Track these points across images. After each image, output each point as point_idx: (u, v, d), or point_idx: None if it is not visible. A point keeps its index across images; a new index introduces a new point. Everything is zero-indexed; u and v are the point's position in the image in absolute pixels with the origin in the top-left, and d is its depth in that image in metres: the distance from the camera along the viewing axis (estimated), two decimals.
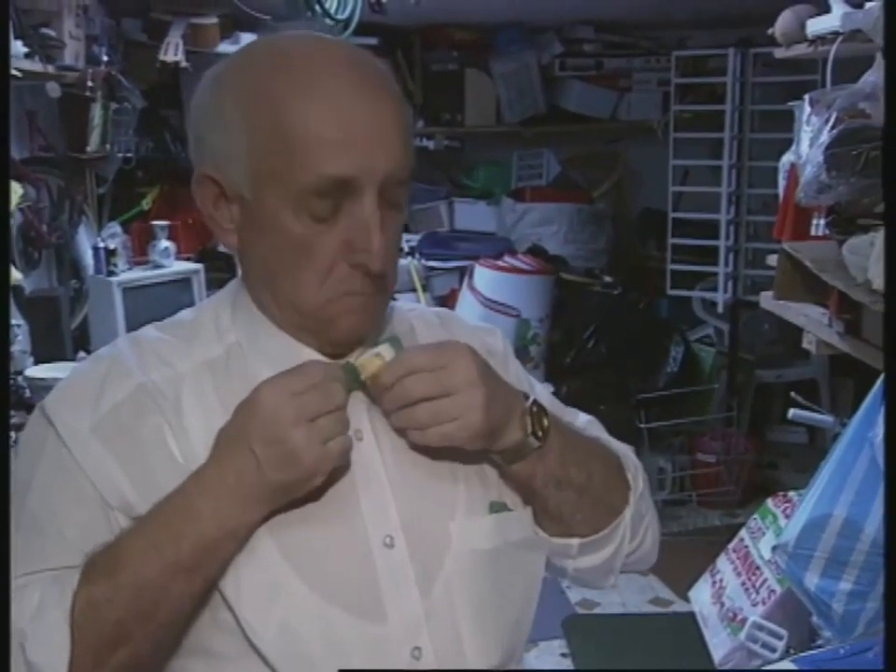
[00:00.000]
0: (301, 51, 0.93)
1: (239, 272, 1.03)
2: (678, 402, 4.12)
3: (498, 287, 4.09)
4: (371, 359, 0.96)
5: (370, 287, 0.95)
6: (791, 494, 2.74)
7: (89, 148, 3.37)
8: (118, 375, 0.97)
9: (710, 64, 4.39)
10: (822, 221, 1.57)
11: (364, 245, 0.91)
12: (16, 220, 3.16)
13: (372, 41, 4.10)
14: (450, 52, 4.76)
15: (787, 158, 1.97)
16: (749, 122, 4.01)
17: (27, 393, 2.68)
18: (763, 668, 1.56)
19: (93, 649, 0.88)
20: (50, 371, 2.66)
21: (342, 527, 0.95)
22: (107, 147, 3.47)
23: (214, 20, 3.71)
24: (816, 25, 1.97)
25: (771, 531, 2.71)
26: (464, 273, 4.35)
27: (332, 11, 3.09)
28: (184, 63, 3.53)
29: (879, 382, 2.04)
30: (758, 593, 2.67)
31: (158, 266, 3.50)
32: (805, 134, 1.57)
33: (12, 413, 2.58)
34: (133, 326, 3.35)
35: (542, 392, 1.17)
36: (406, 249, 4.42)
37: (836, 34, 1.84)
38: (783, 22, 2.17)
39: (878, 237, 1.23)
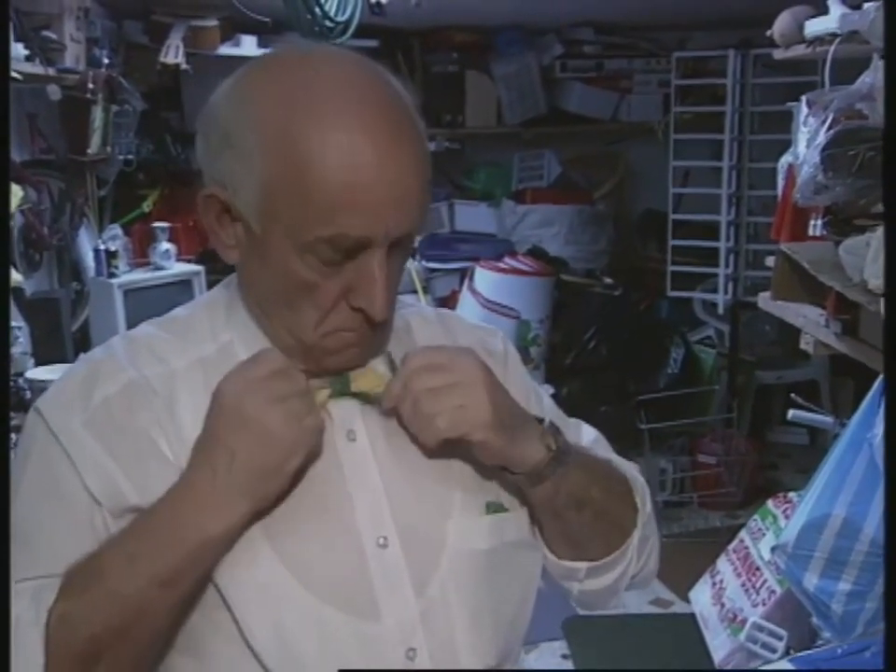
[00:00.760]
0: (326, 86, 0.89)
1: (237, 281, 1.01)
2: (678, 403, 4.12)
3: (499, 289, 4.10)
4: (363, 371, 0.97)
5: (368, 327, 0.94)
6: (792, 494, 2.75)
7: (89, 151, 3.37)
8: (109, 371, 0.97)
9: (711, 66, 4.39)
10: (819, 222, 1.57)
11: (368, 296, 0.91)
12: (17, 222, 3.17)
13: (373, 43, 4.11)
14: (450, 54, 4.77)
15: (785, 159, 1.97)
16: (749, 124, 4.02)
17: (28, 395, 2.69)
18: (762, 668, 1.56)
19: (68, 666, 0.88)
20: (51, 372, 2.67)
21: (335, 528, 0.95)
22: (108, 149, 3.48)
23: (214, 22, 3.72)
24: (814, 27, 1.97)
25: (771, 532, 2.71)
26: (464, 274, 4.35)
27: (332, 13, 3.09)
28: (184, 66, 3.54)
29: (878, 382, 2.05)
30: (758, 593, 2.67)
31: (158, 268, 3.51)
32: (802, 135, 1.58)
33: (13, 414, 2.59)
34: (133, 327, 3.35)
35: (548, 401, 1.17)
36: None
37: (834, 35, 1.84)
38: (781, 24, 2.18)
39: (874, 237, 1.23)
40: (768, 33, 2.28)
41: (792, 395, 2.69)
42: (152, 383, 0.96)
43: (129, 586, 0.87)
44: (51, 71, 2.95)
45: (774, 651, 2.49)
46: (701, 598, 2.95)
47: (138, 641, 0.89)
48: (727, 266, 4.08)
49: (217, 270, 3.78)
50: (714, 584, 2.92)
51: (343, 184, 0.86)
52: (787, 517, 2.56)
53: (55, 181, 3.41)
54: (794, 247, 1.70)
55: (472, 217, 4.82)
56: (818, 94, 1.65)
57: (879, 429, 2.03)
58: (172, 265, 3.54)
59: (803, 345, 1.78)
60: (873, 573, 1.98)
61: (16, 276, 2.74)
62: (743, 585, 2.76)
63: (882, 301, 1.20)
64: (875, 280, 1.20)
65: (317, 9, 2.99)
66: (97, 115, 3.33)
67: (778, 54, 2.28)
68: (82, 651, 0.88)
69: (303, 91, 0.89)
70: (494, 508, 1.01)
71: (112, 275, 3.36)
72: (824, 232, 1.52)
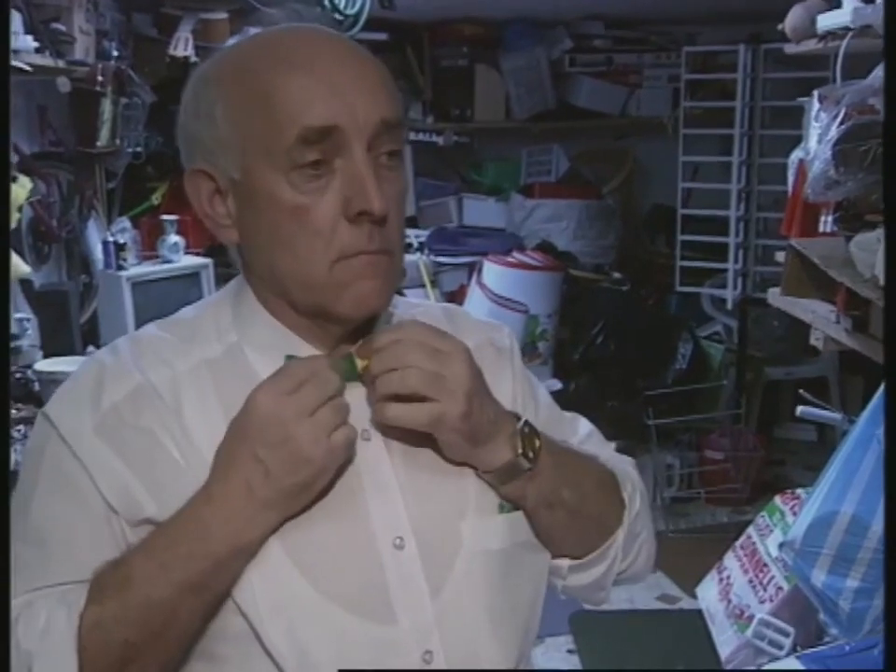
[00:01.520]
0: (279, 31, 0.95)
1: (241, 269, 1.01)
2: (686, 399, 4.12)
3: (507, 283, 4.09)
4: (366, 342, 0.96)
5: (376, 241, 0.92)
6: (799, 491, 2.74)
7: (98, 143, 3.37)
8: (116, 376, 0.96)
9: (721, 60, 4.37)
10: (830, 217, 1.57)
11: (361, 193, 0.89)
12: (26, 215, 3.17)
13: (382, 36, 4.10)
14: (459, 48, 4.76)
15: (796, 154, 1.96)
16: (759, 119, 4.00)
17: (36, 387, 2.70)
18: (768, 667, 1.56)
19: (101, 669, 0.89)
20: (59, 364, 2.67)
21: (351, 530, 0.94)
22: (117, 141, 3.48)
23: (224, 14, 3.71)
24: (826, 20, 1.95)
25: (779, 528, 2.70)
26: (473, 268, 4.34)
27: (341, 6, 3.09)
28: (193, 58, 3.53)
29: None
30: (765, 590, 2.66)
31: (167, 261, 3.51)
32: (813, 130, 1.57)
33: (21, 406, 2.60)
34: (141, 320, 3.36)
35: (544, 395, 1.16)
36: (415, 245, 4.42)
37: (847, 29, 1.83)
38: (793, 18, 2.16)
39: None
40: (780, 27, 2.26)
41: (801, 391, 2.68)
42: (158, 388, 0.95)
43: (161, 593, 0.88)
44: (61, 63, 2.95)
45: (781, 647, 2.49)
46: (708, 594, 2.94)
47: (169, 645, 0.90)
48: (736, 261, 4.07)
49: (225, 263, 3.78)
50: (721, 580, 2.92)
51: (302, 81, 0.89)
52: (794, 514, 2.56)
53: (64, 173, 3.42)
54: (804, 243, 1.69)
55: (481, 211, 4.82)
56: (829, 89, 1.64)
57: None
58: (180, 258, 3.54)
59: (812, 341, 1.77)
60: (881, 570, 1.97)
61: (24, 268, 2.74)
62: (750, 582, 2.75)
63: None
64: None
65: (327, 2, 2.99)
66: (106, 107, 3.33)
67: (790, 49, 2.27)
68: (117, 655, 0.88)
69: (262, 41, 0.94)
70: (507, 507, 1.00)
71: (120, 268, 3.36)
72: (835, 228, 1.52)
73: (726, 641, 2.74)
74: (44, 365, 2.73)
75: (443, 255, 4.56)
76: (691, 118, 4.24)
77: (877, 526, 2.00)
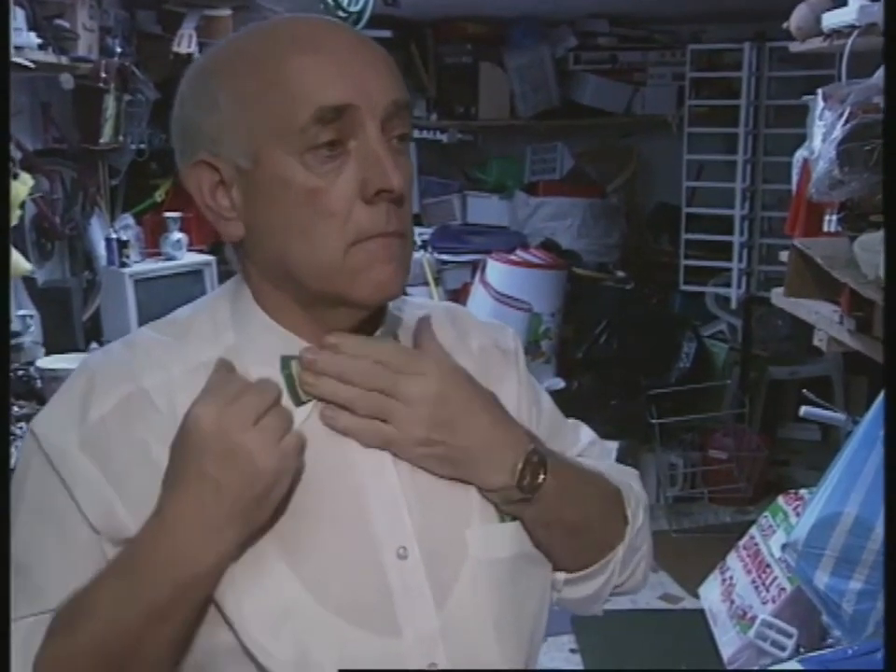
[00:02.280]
0: (287, 20, 0.93)
1: (239, 267, 0.97)
2: (690, 398, 4.11)
3: (510, 282, 4.08)
4: None
5: (393, 222, 0.89)
6: (803, 491, 2.73)
7: (102, 140, 3.37)
8: (105, 386, 0.93)
9: (726, 59, 4.36)
10: (834, 217, 1.56)
11: (378, 170, 0.87)
12: (29, 212, 3.17)
13: (386, 34, 4.09)
14: (464, 45, 4.75)
15: (800, 153, 1.95)
16: (764, 117, 3.99)
17: (39, 384, 2.70)
18: (770, 669, 1.55)
19: None
20: (61, 361, 2.67)
21: (353, 539, 0.91)
22: (120, 138, 3.48)
23: (227, 11, 3.71)
24: (831, 19, 1.94)
25: (782, 529, 2.69)
26: (476, 266, 4.34)
27: (344, 3, 3.08)
28: (197, 55, 3.52)
29: None
30: (768, 591, 2.65)
31: (170, 258, 3.51)
32: (817, 129, 1.56)
33: (23, 403, 2.60)
34: (144, 317, 3.36)
35: (547, 401, 1.14)
36: (419, 243, 4.41)
37: (852, 27, 1.82)
38: (798, 16, 2.15)
39: None
40: (785, 25, 2.25)
41: (804, 391, 2.67)
42: (151, 394, 0.92)
43: (123, 622, 0.85)
44: (64, 60, 2.95)
45: (783, 648, 2.48)
46: (710, 594, 2.93)
47: None
48: (740, 260, 4.06)
49: (227, 260, 3.78)
50: (724, 581, 2.91)
51: (314, 63, 0.87)
52: (798, 514, 2.55)
53: (68, 170, 3.42)
54: (808, 243, 1.68)
55: (485, 209, 4.81)
56: (834, 88, 1.63)
57: None
58: (183, 255, 3.54)
59: (816, 342, 1.75)
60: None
61: (25, 266, 2.74)
62: (753, 582, 2.75)
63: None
64: None
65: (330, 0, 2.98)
66: (109, 104, 3.33)
67: (795, 47, 2.26)
68: None
69: (267, 30, 0.92)
70: (509, 515, 0.97)
71: (123, 265, 3.36)
72: (839, 228, 1.51)
73: (729, 642, 2.73)
74: (46, 362, 2.73)
75: (447, 253, 4.55)
76: (695, 116, 4.23)
77: (881, 528, 1.99)
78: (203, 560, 0.85)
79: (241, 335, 0.95)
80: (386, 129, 0.89)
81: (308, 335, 0.94)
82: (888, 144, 1.15)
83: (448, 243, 4.57)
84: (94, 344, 3.25)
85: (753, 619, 2.62)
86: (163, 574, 0.85)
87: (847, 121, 1.42)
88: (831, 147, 1.41)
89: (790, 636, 2.47)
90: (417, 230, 4.43)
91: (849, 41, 1.81)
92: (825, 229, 1.69)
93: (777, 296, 1.95)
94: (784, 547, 2.28)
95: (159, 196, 4.01)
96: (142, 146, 3.66)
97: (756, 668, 2.46)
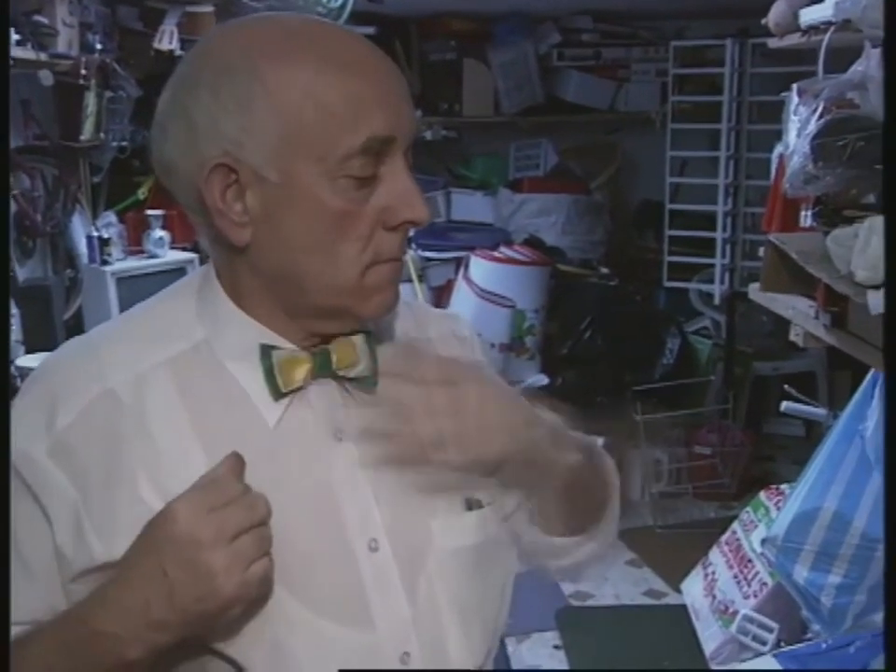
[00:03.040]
0: (302, 23, 0.91)
1: (216, 263, 0.94)
2: (674, 394, 4.12)
3: (494, 278, 4.08)
4: (344, 342, 0.94)
5: (404, 247, 0.93)
6: (784, 487, 2.75)
7: (83, 137, 3.34)
8: (69, 389, 0.91)
9: (709, 55, 4.36)
10: (810, 213, 1.56)
11: (407, 203, 0.89)
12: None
13: (369, 30, 4.08)
14: (448, 42, 4.74)
15: (778, 149, 1.96)
16: (746, 113, 4.00)
17: (18, 382, 2.68)
18: (745, 665, 1.56)
19: None
20: (41, 360, 2.65)
21: (326, 534, 0.92)
22: (101, 135, 3.45)
23: (210, 8, 3.69)
24: (808, 15, 1.95)
25: (763, 524, 2.71)
26: (460, 263, 4.34)
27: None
28: (178, 52, 3.50)
29: (869, 376, 2.04)
30: (749, 585, 2.67)
31: (152, 256, 3.49)
32: (792, 125, 1.56)
33: None
34: None
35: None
36: None
37: (829, 23, 1.82)
38: (777, 12, 2.16)
39: (863, 228, 1.22)
40: (763, 21, 2.26)
41: (786, 386, 2.69)
42: (118, 393, 0.91)
43: None
44: (43, 56, 2.92)
45: (764, 643, 2.49)
46: (693, 590, 2.95)
47: None
48: (724, 256, 4.06)
49: (202, 250, 3.76)
50: (706, 576, 2.92)
51: (359, 90, 0.86)
52: (779, 509, 2.56)
53: (49, 167, 3.39)
54: (783, 238, 1.69)
55: (469, 205, 4.80)
56: (809, 83, 1.64)
57: (871, 422, 2.02)
58: (166, 253, 3.52)
59: (792, 337, 1.76)
60: (862, 566, 1.98)
61: None
62: (735, 577, 2.76)
63: (868, 293, 1.19)
64: (863, 272, 1.19)
65: None
66: (90, 101, 3.30)
67: (773, 43, 2.26)
68: None
69: (295, 34, 0.89)
70: (474, 504, 1.00)
71: (105, 263, 3.34)
72: (814, 223, 1.51)
73: (711, 636, 2.75)
74: (26, 360, 2.72)
75: (431, 250, 4.54)
76: (678, 112, 4.23)
77: (859, 522, 2.01)
78: (131, 654, 0.83)
79: (211, 329, 0.94)
80: (406, 157, 0.91)
81: (282, 330, 0.93)
82: (887, 143, 1.15)
83: (432, 240, 4.56)
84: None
85: (735, 614, 2.63)
86: (90, 658, 0.84)
87: (820, 116, 1.43)
88: (805, 142, 1.42)
89: (770, 630, 2.49)
90: None
91: (826, 37, 1.81)
92: (801, 224, 1.70)
93: (754, 291, 1.96)
94: (763, 542, 2.29)
95: (142, 194, 3.99)
96: (124, 143, 3.63)
97: (737, 662, 2.47)
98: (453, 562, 0.97)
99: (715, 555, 2.92)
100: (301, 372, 0.92)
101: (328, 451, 0.94)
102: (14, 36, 2.71)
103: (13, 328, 2.94)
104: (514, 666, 2.91)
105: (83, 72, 3.17)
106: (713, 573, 2.87)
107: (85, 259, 3.45)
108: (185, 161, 0.89)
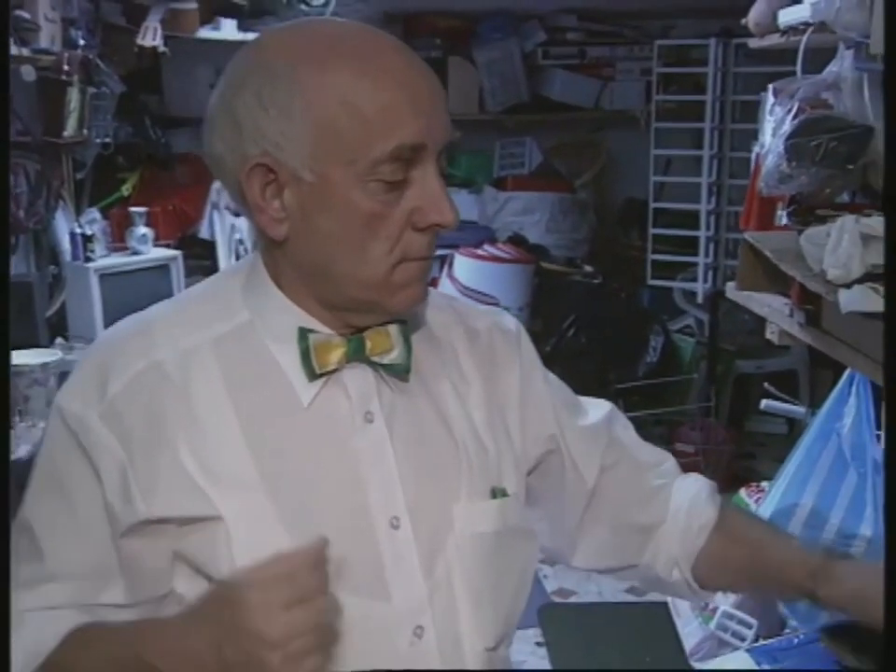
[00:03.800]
0: (344, 30, 0.95)
1: (262, 253, 1.02)
2: (657, 392, 4.14)
3: (477, 276, 4.09)
4: (378, 331, 1.00)
5: (433, 247, 0.97)
6: (764, 484, 2.76)
7: (65, 133, 3.33)
8: (120, 362, 0.98)
9: (693, 54, 4.38)
10: (785, 212, 1.58)
11: (436, 207, 0.93)
12: None
13: None
14: (433, 40, 4.73)
15: (756, 149, 1.97)
16: (730, 112, 4.01)
17: None
18: (717, 661, 1.58)
19: None
20: (22, 357, 2.64)
21: (349, 509, 0.97)
22: (85, 131, 3.44)
23: (193, 5, 3.68)
24: (787, 16, 1.96)
25: None
26: (444, 261, 4.34)
27: None
28: (162, 48, 3.50)
29: (846, 375, 2.06)
30: None
31: (136, 252, 3.49)
32: (768, 124, 1.58)
33: None
34: (109, 312, 3.32)
35: (554, 378, 1.21)
36: None
37: (807, 24, 1.84)
38: (756, 12, 2.17)
39: (835, 227, 1.23)
40: (743, 21, 2.27)
41: (766, 384, 2.70)
42: (165, 367, 0.97)
43: None
44: (25, 52, 2.91)
45: (743, 639, 2.51)
46: None
47: None
48: (707, 255, 4.08)
49: (195, 255, 3.76)
50: None
51: (390, 98, 0.91)
52: (760, 506, 2.57)
53: (32, 163, 3.38)
54: (758, 236, 1.70)
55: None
56: (784, 83, 1.65)
57: (847, 420, 2.04)
58: (149, 250, 3.51)
59: (768, 335, 1.78)
60: None
61: None
62: None
63: (840, 291, 1.20)
64: (835, 270, 1.20)
65: None
66: (73, 97, 3.29)
67: (754, 43, 2.28)
68: None
69: (335, 40, 0.94)
70: (498, 493, 1.05)
71: (88, 259, 3.34)
72: (789, 222, 1.53)
73: (691, 633, 2.76)
74: None
75: None
76: (663, 111, 4.24)
77: (836, 519, 2.02)
78: None
79: (255, 313, 1.00)
80: (438, 161, 0.95)
81: (321, 316, 0.99)
82: (888, 138, 1.16)
83: None
84: (60, 339, 3.22)
85: (715, 610, 2.64)
86: None
87: (795, 116, 1.44)
88: (779, 142, 1.43)
89: (750, 626, 2.50)
90: None
91: (804, 38, 1.83)
92: (777, 223, 1.71)
93: (731, 289, 1.98)
94: None
95: (126, 190, 3.98)
96: (107, 139, 3.62)
97: (715, 658, 2.48)
98: (471, 546, 1.01)
99: None
100: (335, 356, 0.98)
101: (357, 431, 0.99)
102: None
103: None
104: None
105: (66, 67, 3.16)
106: None
107: (68, 256, 3.44)
108: (230, 156, 0.95)
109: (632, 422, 4.29)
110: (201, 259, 3.82)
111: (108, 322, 3.10)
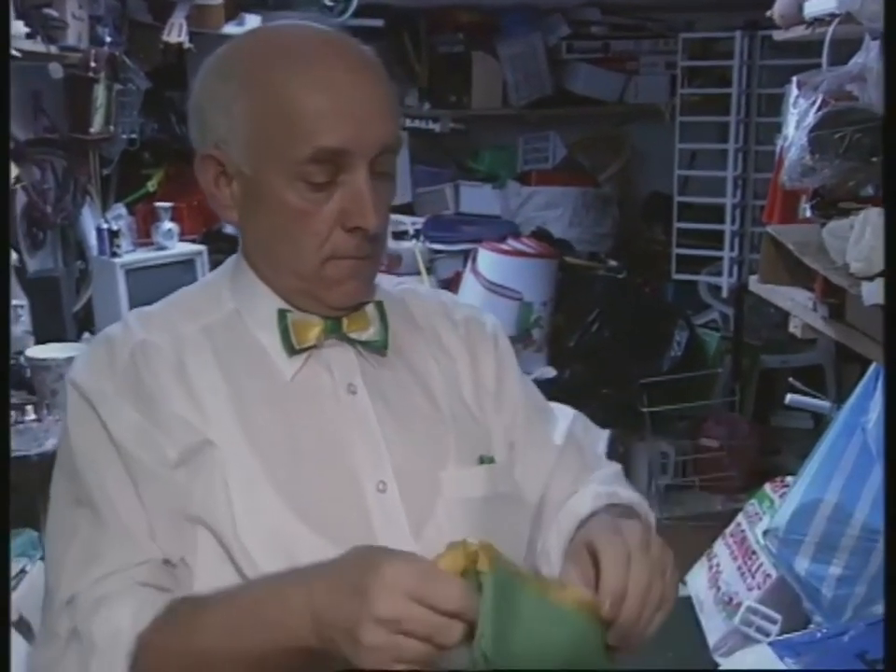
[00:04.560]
0: (298, 38, 1.03)
1: (240, 244, 1.11)
2: (681, 387, 4.11)
3: (501, 271, 4.08)
4: (356, 314, 1.07)
5: (364, 249, 1.03)
6: (789, 479, 2.75)
7: (92, 129, 3.36)
8: (124, 339, 1.06)
9: (718, 47, 4.35)
10: (808, 205, 1.56)
11: (359, 210, 0.99)
12: (20, 201, 3.18)
13: (378, 23, 4.08)
14: (456, 34, 4.72)
15: (780, 142, 1.96)
16: (755, 106, 3.99)
17: (28, 373, 2.70)
18: (738, 654, 1.57)
19: None
20: (50, 351, 2.67)
21: (338, 474, 1.02)
22: (111, 128, 3.47)
23: (219, 0, 3.70)
24: (812, 7, 1.95)
25: (768, 516, 2.71)
26: (468, 256, 4.34)
27: None
28: (188, 45, 3.52)
29: (872, 369, 2.05)
30: (753, 577, 2.67)
31: (161, 248, 3.51)
32: (791, 117, 1.57)
33: (12, 392, 2.60)
34: (135, 307, 3.32)
35: (529, 383, 1.22)
36: (411, 232, 4.41)
37: (832, 15, 1.82)
38: (781, 4, 2.16)
39: (858, 220, 1.22)
40: (768, 13, 2.26)
41: (790, 379, 2.69)
42: (161, 345, 1.05)
43: (219, 656, 0.90)
44: (53, 49, 2.94)
45: (768, 634, 2.50)
46: (697, 581, 2.95)
47: None
48: (732, 249, 4.06)
49: (219, 249, 3.78)
50: (711, 568, 2.93)
51: (317, 100, 0.98)
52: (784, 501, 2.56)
53: (59, 159, 3.41)
54: (780, 230, 1.69)
55: (477, 198, 4.79)
56: (808, 75, 1.64)
57: (873, 414, 2.02)
58: (174, 245, 3.54)
59: (791, 329, 1.77)
60: (863, 558, 1.99)
61: (13, 255, 2.74)
62: (739, 569, 2.76)
63: (862, 284, 1.19)
64: (857, 263, 1.19)
65: None
66: (100, 93, 3.32)
67: (779, 35, 2.26)
68: None
69: (279, 44, 1.03)
70: (486, 460, 1.09)
71: (114, 255, 3.36)
72: (812, 215, 1.51)
73: (715, 628, 2.76)
74: (35, 352, 2.73)
75: (439, 242, 4.54)
76: (687, 105, 4.22)
77: (860, 514, 2.01)
78: (297, 640, 0.85)
79: (240, 302, 1.08)
80: (373, 166, 1.01)
81: (302, 303, 1.06)
82: (887, 141, 1.15)
83: (440, 232, 4.56)
84: (87, 334, 3.25)
85: (739, 605, 2.64)
86: (264, 634, 0.88)
87: (819, 109, 1.43)
88: (803, 135, 1.42)
89: (774, 621, 2.49)
90: (410, 219, 4.44)
91: (830, 29, 1.81)
92: (801, 216, 1.70)
93: (754, 283, 1.96)
94: (765, 533, 2.30)
95: (151, 186, 4.01)
96: (133, 135, 3.65)
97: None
98: (460, 511, 1.04)
99: (720, 547, 2.93)
100: (313, 332, 1.05)
101: (341, 402, 1.05)
102: (24, 29, 2.73)
103: (22, 318, 2.97)
104: None
105: (93, 64, 3.19)
106: (717, 565, 2.87)
107: (95, 251, 3.47)
108: (197, 146, 1.06)
109: (655, 417, 4.32)
110: (225, 254, 3.82)
111: None
